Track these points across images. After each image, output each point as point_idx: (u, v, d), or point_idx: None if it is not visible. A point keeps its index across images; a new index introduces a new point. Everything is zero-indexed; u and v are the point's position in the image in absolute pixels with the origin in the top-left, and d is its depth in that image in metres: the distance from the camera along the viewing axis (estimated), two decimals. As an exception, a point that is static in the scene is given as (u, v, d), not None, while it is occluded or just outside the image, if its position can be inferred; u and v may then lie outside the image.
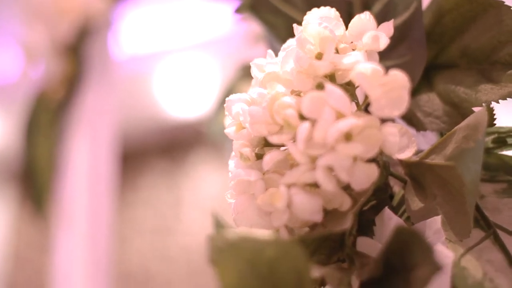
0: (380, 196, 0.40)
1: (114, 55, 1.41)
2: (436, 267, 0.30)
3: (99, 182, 1.38)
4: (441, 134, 0.44)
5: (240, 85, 0.70)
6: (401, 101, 0.34)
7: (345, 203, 0.35)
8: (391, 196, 0.42)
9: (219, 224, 0.33)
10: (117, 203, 1.55)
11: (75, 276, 1.34)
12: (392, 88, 0.34)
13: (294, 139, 0.35)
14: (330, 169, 0.34)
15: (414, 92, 0.43)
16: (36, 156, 1.33)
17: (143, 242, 3.18)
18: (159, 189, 3.25)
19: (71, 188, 1.36)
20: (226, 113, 0.40)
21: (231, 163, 0.39)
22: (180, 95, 2.94)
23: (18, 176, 3.03)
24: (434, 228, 0.35)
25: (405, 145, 0.36)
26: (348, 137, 0.34)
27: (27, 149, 1.33)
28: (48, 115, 1.31)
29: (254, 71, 0.41)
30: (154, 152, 3.33)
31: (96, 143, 1.37)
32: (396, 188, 0.42)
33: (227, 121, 0.41)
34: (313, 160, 0.34)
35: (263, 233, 0.32)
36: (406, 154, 0.36)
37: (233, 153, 0.40)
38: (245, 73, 0.71)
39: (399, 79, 0.34)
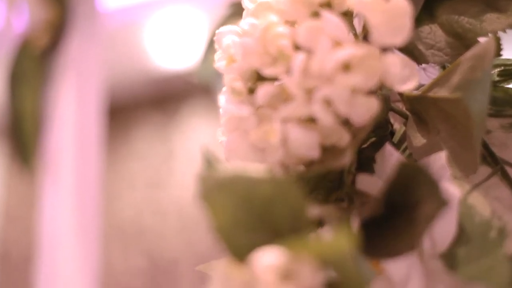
0: (380, 133, 0.38)
1: (100, 2, 1.38)
2: (442, 203, 0.29)
3: (87, 134, 1.36)
4: (443, 68, 0.42)
5: (230, 23, 0.67)
6: (403, 28, 0.32)
7: (343, 137, 0.32)
8: (392, 133, 0.40)
9: (210, 162, 0.31)
10: (107, 156, 1.53)
11: (63, 231, 1.33)
12: (393, 15, 0.32)
13: (288, 72, 0.33)
14: (327, 103, 0.32)
15: (415, 24, 0.40)
16: (21, 108, 1.31)
17: (135, 195, 3.18)
18: (150, 142, 3.24)
19: (58, 141, 1.34)
20: (216, 46, 0.38)
21: (222, 99, 0.37)
22: (170, 46, 2.91)
23: (6, 131, 3.01)
24: (438, 164, 0.33)
25: (406, 77, 0.34)
26: (346, 67, 0.32)
27: (12, 101, 1.31)
28: (32, 64, 1.28)
29: (245, 2, 0.39)
30: (146, 104, 3.31)
31: (82, 94, 1.34)
32: (397, 125, 0.40)
33: (218, 55, 0.38)
34: (309, 93, 0.32)
35: (257, 170, 0.30)
36: (408, 86, 0.34)
37: (224, 89, 0.37)
38: (235, 11, 0.68)
39: (401, 5, 0.32)
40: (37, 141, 1.33)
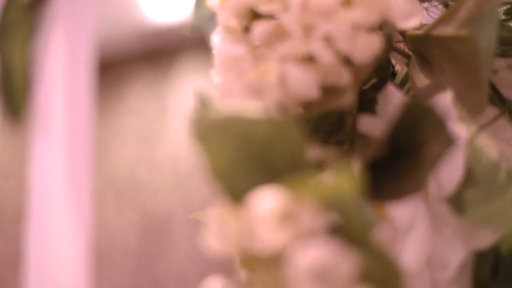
0: (382, 73, 0.37)
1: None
2: (448, 142, 0.27)
3: (77, 88, 1.34)
4: (446, 8, 0.41)
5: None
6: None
7: (344, 77, 0.31)
8: (394, 75, 0.38)
9: (204, 104, 0.30)
10: (100, 112, 1.51)
11: (56, 187, 1.32)
12: None
13: (286, 8, 0.31)
14: (327, 40, 0.31)
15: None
16: (10, 61, 1.28)
17: (129, 151, 3.17)
18: (144, 97, 3.22)
19: (48, 96, 1.32)
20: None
21: (216, 39, 0.35)
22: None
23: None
24: (443, 105, 0.32)
25: (409, 13, 0.32)
26: (347, 2, 0.30)
27: (0, 53, 1.28)
28: (21, 15, 1.25)
29: None
30: (138, 59, 3.28)
31: (72, 46, 1.32)
32: (398, 67, 0.39)
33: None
34: (308, 30, 0.31)
35: (253, 110, 0.28)
36: (411, 23, 0.32)
37: (218, 28, 0.36)
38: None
39: None
40: (27, 95, 1.31)
